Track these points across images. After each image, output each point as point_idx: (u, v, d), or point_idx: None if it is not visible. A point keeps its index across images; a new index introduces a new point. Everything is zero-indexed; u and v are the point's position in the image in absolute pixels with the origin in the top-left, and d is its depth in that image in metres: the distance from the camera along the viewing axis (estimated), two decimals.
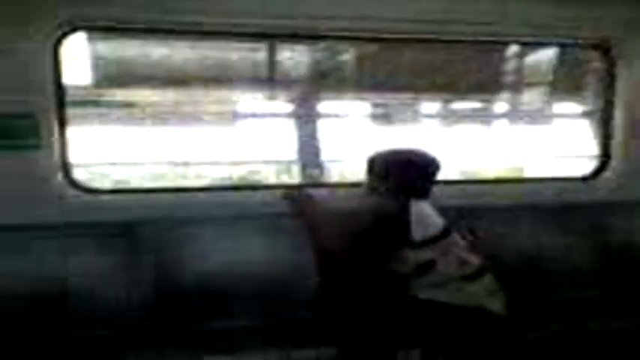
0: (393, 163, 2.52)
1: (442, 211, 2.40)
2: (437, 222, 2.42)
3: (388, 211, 2.41)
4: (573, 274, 2.91)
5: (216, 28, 2.61)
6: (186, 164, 3.45)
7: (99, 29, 2.63)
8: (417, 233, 2.34)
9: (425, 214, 2.43)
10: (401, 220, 2.38)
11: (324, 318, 2.46)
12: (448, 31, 2.83)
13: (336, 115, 3.48)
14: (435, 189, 2.47)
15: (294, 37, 2.88)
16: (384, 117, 3.53)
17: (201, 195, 2.84)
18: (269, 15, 2.55)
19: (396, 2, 2.67)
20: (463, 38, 2.92)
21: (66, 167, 2.58)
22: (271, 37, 2.95)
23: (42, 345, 2.43)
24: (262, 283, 2.64)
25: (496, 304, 2.38)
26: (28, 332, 2.48)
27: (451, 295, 2.34)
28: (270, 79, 3.25)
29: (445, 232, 2.40)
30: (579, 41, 3.12)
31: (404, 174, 2.50)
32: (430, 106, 3.93)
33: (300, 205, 2.43)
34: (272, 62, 3.18)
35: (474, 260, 2.43)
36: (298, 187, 2.94)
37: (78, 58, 2.80)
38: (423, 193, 2.50)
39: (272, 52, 3.16)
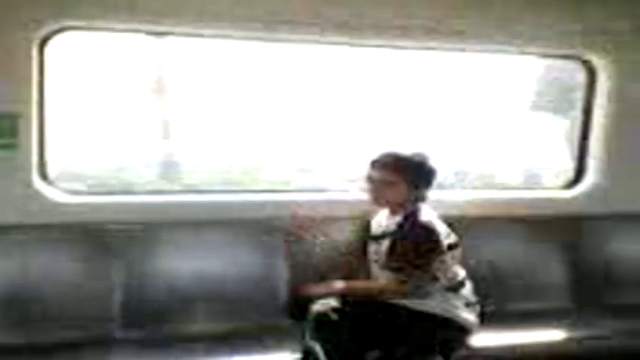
0: (413, 167, 2.46)
1: None
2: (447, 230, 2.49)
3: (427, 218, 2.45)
4: (540, 287, 2.95)
5: None
6: None
7: (86, 30, 2.60)
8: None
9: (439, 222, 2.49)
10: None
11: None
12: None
13: None
14: None
15: None
16: None
17: (181, 198, 2.85)
18: None
19: None
20: (447, 47, 2.94)
21: (43, 168, 2.56)
22: None
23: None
24: (234, 288, 2.65)
25: (471, 316, 2.43)
26: None
27: (434, 305, 2.40)
28: None
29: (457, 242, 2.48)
30: (561, 53, 3.16)
31: (423, 177, 2.49)
32: None
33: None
34: None
35: (460, 272, 2.51)
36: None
37: None
38: (425, 199, 2.52)
39: None
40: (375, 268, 2.53)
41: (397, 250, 2.42)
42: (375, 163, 2.49)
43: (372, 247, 2.56)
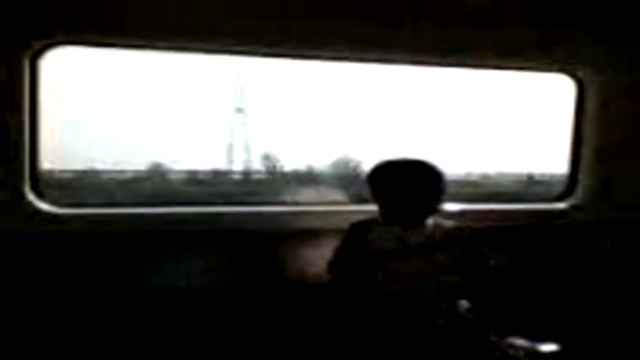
0: (438, 176, 2.41)
1: None
2: None
3: None
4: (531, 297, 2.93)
5: None
6: None
7: (80, 45, 2.66)
8: None
9: None
10: None
11: None
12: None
13: None
14: None
15: None
16: None
17: (173, 210, 2.87)
18: None
19: None
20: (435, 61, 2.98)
21: (35, 179, 2.60)
22: None
23: None
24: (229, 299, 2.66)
25: None
26: None
27: None
28: None
29: None
30: (548, 68, 3.19)
31: (446, 187, 2.44)
32: None
33: None
34: None
35: None
36: None
37: None
38: None
39: None
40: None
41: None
42: (409, 176, 2.40)
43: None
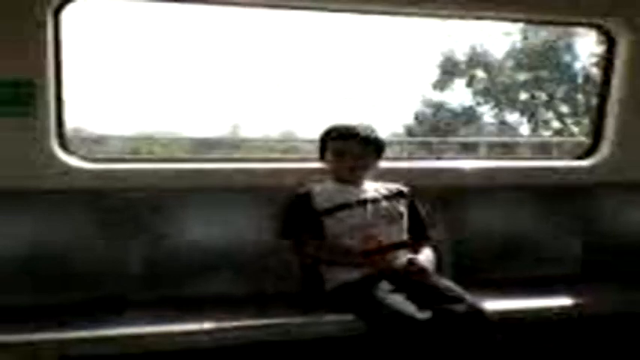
0: (379, 139, 2.59)
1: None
2: None
3: None
4: (552, 256, 2.95)
5: None
6: None
7: None
8: None
9: None
10: None
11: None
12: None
13: None
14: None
15: None
16: None
17: (197, 165, 2.89)
18: None
19: None
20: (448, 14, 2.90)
21: (62, 135, 2.61)
22: None
23: None
24: (250, 252, 2.68)
25: None
26: None
27: None
28: None
29: None
30: (578, 21, 3.10)
31: (383, 149, 2.64)
32: None
33: None
34: None
35: None
36: None
37: None
38: None
39: None
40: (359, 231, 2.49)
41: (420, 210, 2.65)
42: (349, 137, 2.53)
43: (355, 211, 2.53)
